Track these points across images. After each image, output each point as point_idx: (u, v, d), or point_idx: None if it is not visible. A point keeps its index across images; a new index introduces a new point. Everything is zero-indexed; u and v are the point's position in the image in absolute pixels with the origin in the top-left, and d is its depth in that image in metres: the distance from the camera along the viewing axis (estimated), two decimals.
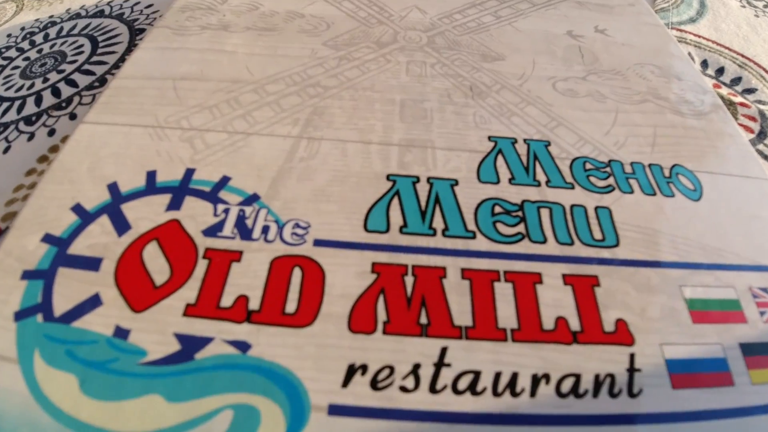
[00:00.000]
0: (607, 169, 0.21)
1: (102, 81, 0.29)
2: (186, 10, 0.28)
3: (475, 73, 0.25)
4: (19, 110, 0.28)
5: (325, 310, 0.15)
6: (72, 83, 0.29)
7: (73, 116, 0.27)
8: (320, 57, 0.25)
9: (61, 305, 0.15)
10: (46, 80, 0.30)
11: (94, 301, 0.15)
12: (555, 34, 0.29)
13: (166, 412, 0.13)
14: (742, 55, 0.38)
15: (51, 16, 0.38)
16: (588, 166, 0.21)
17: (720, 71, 0.36)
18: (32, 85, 0.30)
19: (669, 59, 0.29)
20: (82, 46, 0.33)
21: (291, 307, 0.15)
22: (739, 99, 0.33)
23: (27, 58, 0.33)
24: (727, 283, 0.18)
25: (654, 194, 0.20)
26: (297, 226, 0.18)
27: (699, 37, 0.38)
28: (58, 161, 0.19)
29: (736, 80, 0.35)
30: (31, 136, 0.26)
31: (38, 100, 0.28)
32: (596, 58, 0.28)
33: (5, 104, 0.29)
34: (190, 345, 0.14)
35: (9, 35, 0.37)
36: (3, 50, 0.34)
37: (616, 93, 0.26)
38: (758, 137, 0.30)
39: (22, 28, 0.38)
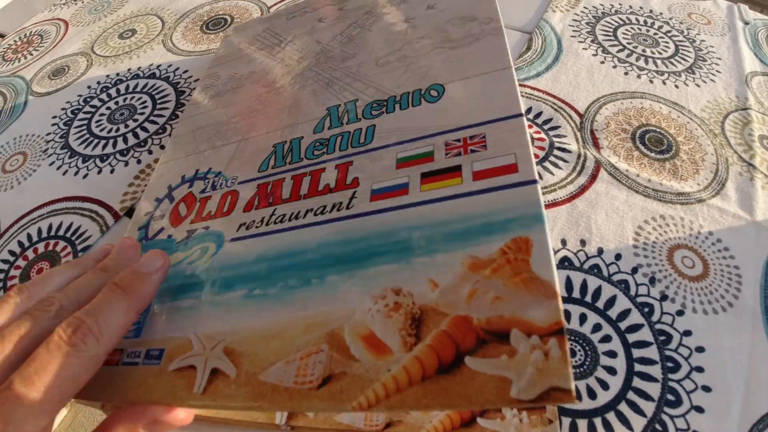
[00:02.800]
0: (385, 102, 0.38)
1: (163, 128, 0.53)
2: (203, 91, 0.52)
3: (334, 72, 0.44)
4: (114, 146, 0.51)
5: (239, 204, 0.36)
6: (144, 129, 0.53)
7: (150, 152, 0.51)
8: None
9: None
10: (127, 126, 0.53)
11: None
12: None
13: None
14: (562, 101, 0.49)
15: (117, 74, 0.58)
16: (374, 105, 0.38)
17: (538, 115, 0.48)
18: (118, 129, 0.52)
19: None
20: (145, 102, 0.55)
21: (229, 211, 0.37)
22: (541, 135, 0.46)
23: (108, 108, 0.53)
24: (429, 144, 0.33)
25: (407, 108, 0.37)
26: (233, 179, 0.39)
27: (533, 89, 0.50)
28: (149, 185, 0.44)
29: (548, 121, 0.48)
30: (126, 163, 0.50)
31: (125, 140, 0.52)
32: None
33: (103, 141, 0.52)
34: (194, 232, 0.37)
35: (89, 87, 0.57)
36: (89, 99, 0.55)
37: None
38: (540, 161, 0.44)
39: (98, 82, 0.57)
